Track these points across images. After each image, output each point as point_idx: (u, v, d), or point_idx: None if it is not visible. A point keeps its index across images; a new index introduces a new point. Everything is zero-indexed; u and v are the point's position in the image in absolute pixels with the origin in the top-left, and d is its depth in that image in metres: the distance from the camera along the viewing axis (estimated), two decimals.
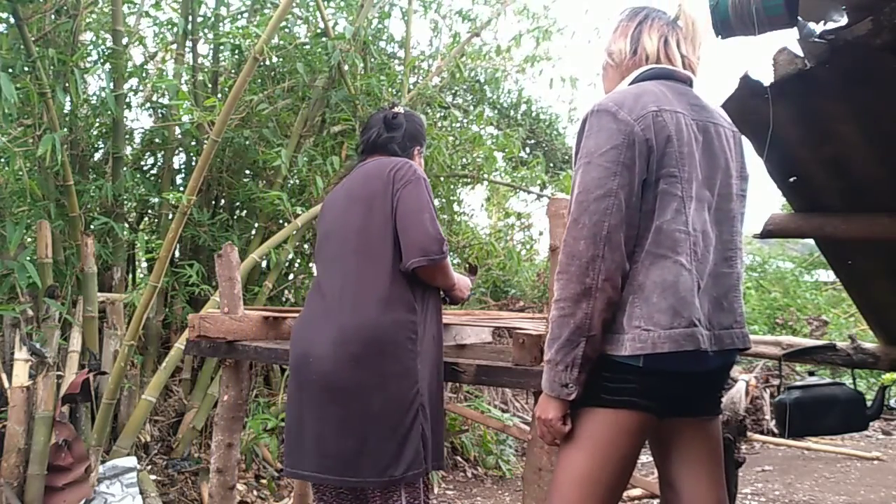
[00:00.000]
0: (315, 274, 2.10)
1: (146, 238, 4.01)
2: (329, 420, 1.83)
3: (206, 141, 3.42)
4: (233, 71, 4.54)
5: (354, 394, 1.81)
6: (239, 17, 4.76)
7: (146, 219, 4.86)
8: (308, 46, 4.34)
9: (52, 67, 3.33)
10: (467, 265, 2.86)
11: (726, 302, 1.54)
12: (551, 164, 7.27)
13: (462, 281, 2.15)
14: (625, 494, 3.58)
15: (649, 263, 1.44)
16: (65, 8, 3.53)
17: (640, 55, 1.61)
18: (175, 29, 4.28)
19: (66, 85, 3.51)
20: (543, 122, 7.57)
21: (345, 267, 1.93)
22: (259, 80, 4.35)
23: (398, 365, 1.83)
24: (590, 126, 1.48)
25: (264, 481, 3.87)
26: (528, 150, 7.47)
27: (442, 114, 5.56)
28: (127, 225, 4.08)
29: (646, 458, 4.37)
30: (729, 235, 1.57)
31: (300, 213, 4.04)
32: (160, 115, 4.53)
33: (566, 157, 7.78)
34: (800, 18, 1.01)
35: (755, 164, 1.67)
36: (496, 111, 6.83)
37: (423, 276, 1.91)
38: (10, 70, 3.14)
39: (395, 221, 1.90)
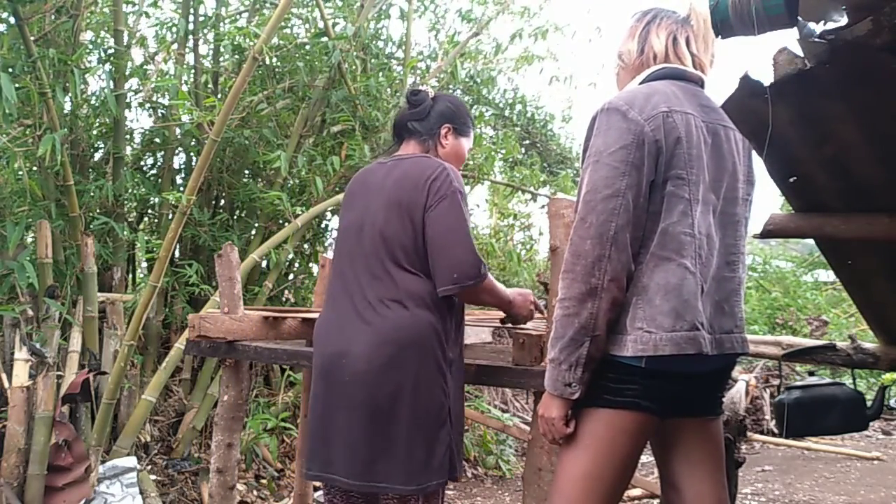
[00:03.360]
0: (334, 268, 1.97)
1: (146, 238, 4.02)
2: (359, 423, 1.77)
3: (206, 141, 3.43)
4: (233, 71, 4.54)
5: (387, 397, 1.76)
6: (238, 17, 4.77)
7: (146, 219, 4.86)
8: (308, 46, 4.34)
9: (52, 67, 3.32)
10: (540, 283, 2.74)
11: (727, 306, 1.54)
12: (546, 165, 7.29)
13: (521, 298, 2.00)
14: (625, 494, 3.58)
15: (654, 265, 1.43)
16: (65, 8, 3.53)
17: (648, 54, 1.60)
18: (175, 29, 4.28)
19: (67, 85, 3.51)
20: (538, 122, 7.57)
21: (374, 269, 1.84)
22: (259, 81, 4.35)
23: (430, 370, 1.78)
24: (599, 124, 1.47)
25: (264, 481, 3.87)
26: (523, 150, 7.47)
27: None
28: (127, 225, 4.08)
29: (646, 458, 4.37)
30: (733, 239, 1.57)
31: (300, 213, 4.05)
32: (160, 115, 4.53)
33: (560, 158, 7.79)
34: (800, 18, 1.01)
35: (757, 165, 1.67)
36: (491, 112, 6.84)
37: (463, 299, 1.84)
38: (11, 70, 3.14)
39: (425, 234, 1.81)
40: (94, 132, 4.20)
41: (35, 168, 3.61)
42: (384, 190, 1.89)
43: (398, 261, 1.82)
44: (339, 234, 2.00)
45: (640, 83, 1.56)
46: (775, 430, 5.72)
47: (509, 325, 2.07)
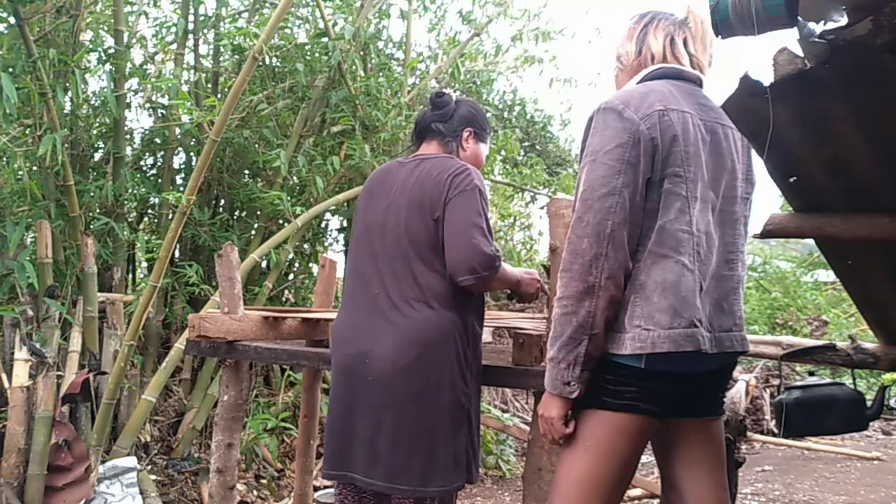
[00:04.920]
0: (351, 267, 1.96)
1: (146, 238, 4.02)
2: (382, 424, 1.77)
3: (206, 141, 3.43)
4: (233, 71, 4.54)
5: (410, 398, 1.75)
6: (238, 17, 4.77)
7: (146, 219, 4.86)
8: (308, 46, 4.34)
9: (52, 67, 3.33)
10: (542, 266, 2.75)
11: (727, 304, 1.54)
12: (545, 167, 7.31)
13: (528, 276, 2.03)
14: (625, 494, 3.58)
15: (651, 263, 1.43)
16: (65, 8, 3.53)
17: (645, 55, 1.61)
18: (175, 29, 4.29)
19: (67, 85, 3.51)
20: (538, 124, 7.58)
21: (397, 269, 1.83)
22: (259, 80, 4.35)
23: (453, 372, 1.78)
24: (595, 124, 1.48)
25: (264, 481, 3.87)
26: (522, 152, 7.48)
27: None
28: (127, 225, 4.08)
29: (646, 458, 4.37)
30: (732, 238, 1.57)
31: (300, 213, 4.05)
32: (160, 115, 4.54)
33: (559, 160, 7.82)
34: (800, 18, 1.01)
35: (757, 165, 1.67)
36: (491, 113, 6.84)
37: (477, 288, 1.85)
38: (11, 70, 3.14)
39: (443, 229, 1.82)
40: (94, 132, 4.20)
41: (35, 168, 3.61)
42: (407, 189, 1.88)
43: (422, 260, 1.82)
44: (358, 234, 1.97)
45: (638, 82, 1.57)
46: (775, 430, 5.71)
47: (514, 301, 2.09)
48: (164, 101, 4.49)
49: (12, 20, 3.20)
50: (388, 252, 1.86)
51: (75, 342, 3.40)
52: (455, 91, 2.15)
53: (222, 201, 4.69)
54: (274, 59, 4.34)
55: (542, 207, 6.75)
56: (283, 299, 4.82)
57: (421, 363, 1.76)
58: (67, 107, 3.74)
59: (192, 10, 4.29)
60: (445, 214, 1.81)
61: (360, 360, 1.82)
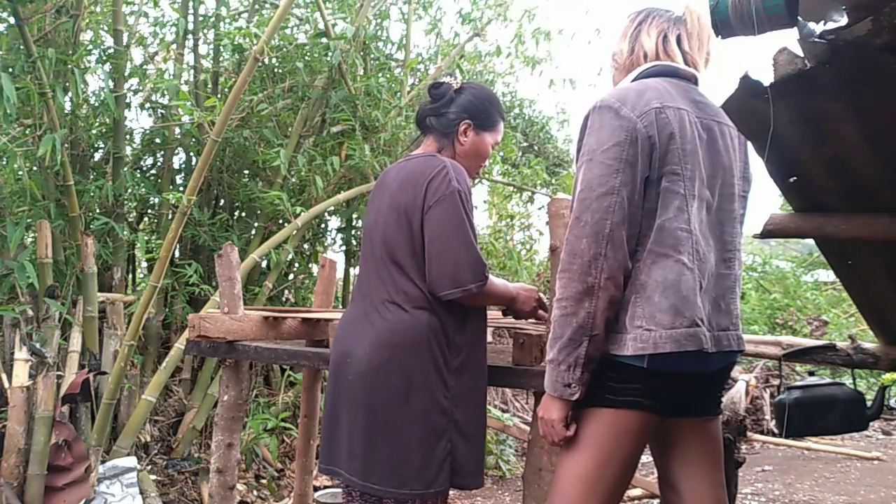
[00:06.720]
0: (358, 268, 2.07)
1: (146, 238, 4.01)
2: (358, 423, 1.79)
3: (206, 141, 3.43)
4: (233, 71, 4.54)
5: (383, 399, 1.76)
6: (238, 17, 4.77)
7: (146, 219, 4.86)
8: (308, 47, 4.34)
9: (52, 67, 3.33)
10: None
11: (724, 303, 1.54)
12: (544, 167, 7.33)
13: (524, 293, 1.95)
14: (625, 494, 3.58)
15: (651, 262, 1.43)
16: (65, 8, 3.53)
17: (638, 53, 1.61)
18: (175, 29, 4.29)
19: (67, 85, 3.51)
20: (537, 125, 7.59)
21: (380, 271, 1.85)
22: (259, 80, 4.35)
23: (428, 374, 1.76)
24: (592, 122, 1.47)
25: (264, 481, 3.86)
26: (521, 153, 7.48)
27: None
28: (127, 225, 4.08)
29: (646, 458, 4.37)
30: (730, 237, 1.57)
31: (300, 213, 4.05)
32: (160, 115, 4.54)
33: (557, 161, 7.83)
34: (800, 18, 1.01)
35: (755, 164, 1.68)
36: None
37: (466, 302, 1.80)
38: (11, 70, 3.14)
39: (423, 237, 1.78)
40: (94, 132, 4.20)
41: (35, 168, 3.61)
42: (391, 192, 1.88)
43: (398, 263, 1.82)
44: (363, 237, 2.03)
45: (632, 81, 1.56)
46: (775, 430, 5.72)
47: (511, 318, 2.03)
48: (164, 101, 4.50)
49: (12, 20, 3.19)
50: (375, 255, 1.88)
51: (75, 342, 3.40)
52: (455, 78, 2.06)
53: (222, 201, 4.69)
54: (274, 60, 4.34)
55: (541, 208, 6.76)
56: (283, 299, 4.82)
57: (392, 365, 1.76)
58: (67, 107, 3.74)
59: (192, 10, 4.29)
60: (425, 226, 1.78)
61: (343, 359, 1.86)
